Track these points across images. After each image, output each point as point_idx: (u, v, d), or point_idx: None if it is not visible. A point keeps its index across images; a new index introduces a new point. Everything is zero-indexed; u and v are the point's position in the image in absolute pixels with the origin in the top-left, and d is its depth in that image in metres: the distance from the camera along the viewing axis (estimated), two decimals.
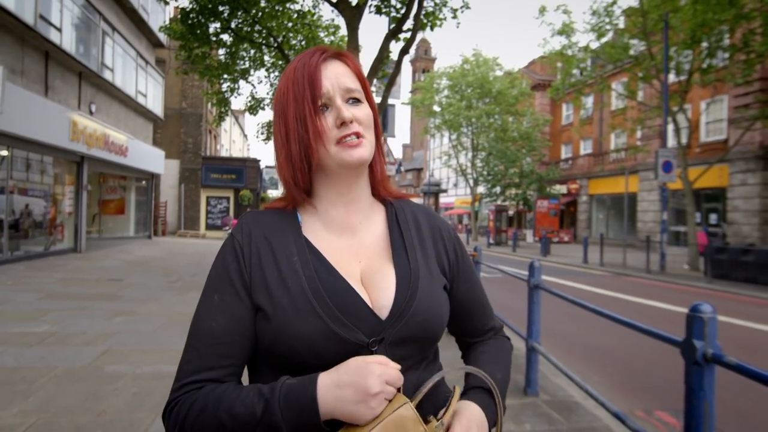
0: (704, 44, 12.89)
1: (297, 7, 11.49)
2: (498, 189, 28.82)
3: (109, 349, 4.32)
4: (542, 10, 15.96)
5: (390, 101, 11.37)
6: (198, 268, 10.67)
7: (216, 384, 0.72)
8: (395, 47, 25.76)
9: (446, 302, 0.86)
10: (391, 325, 0.76)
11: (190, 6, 10.18)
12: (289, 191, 0.86)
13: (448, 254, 0.91)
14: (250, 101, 14.90)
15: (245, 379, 0.80)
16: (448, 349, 0.99)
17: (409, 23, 9.60)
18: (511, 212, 30.29)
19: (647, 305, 8.30)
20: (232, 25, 10.84)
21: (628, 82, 16.70)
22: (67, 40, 11.34)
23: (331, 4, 9.19)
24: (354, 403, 0.66)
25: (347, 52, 0.87)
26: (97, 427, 2.77)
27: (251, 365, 0.81)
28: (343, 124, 0.79)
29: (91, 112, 13.05)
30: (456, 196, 46.81)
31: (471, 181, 30.24)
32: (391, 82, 9.77)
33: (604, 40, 15.36)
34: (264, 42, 11.59)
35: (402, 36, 9.93)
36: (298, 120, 0.80)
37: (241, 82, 15.84)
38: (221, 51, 12.78)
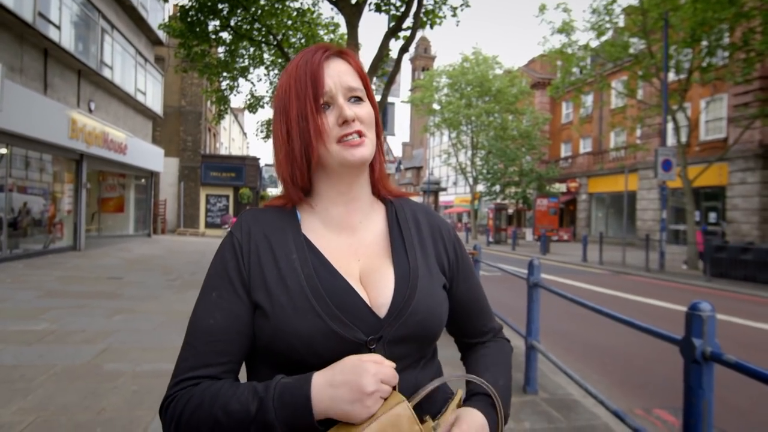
0: (704, 43, 12.88)
1: (296, 4, 11.49)
2: (497, 187, 28.83)
3: (109, 347, 4.32)
4: (542, 8, 15.94)
5: (389, 99, 11.36)
6: (197, 266, 10.67)
7: (213, 381, 0.72)
8: (395, 45, 25.71)
9: (445, 301, 0.86)
10: (390, 323, 0.76)
11: (190, 4, 10.15)
12: (287, 189, 0.86)
13: (448, 253, 0.91)
14: (249, 99, 14.89)
15: (243, 376, 0.80)
16: (447, 348, 0.99)
17: (408, 21, 9.58)
18: (510, 211, 30.31)
19: (646, 303, 8.31)
20: (232, 22, 10.81)
21: (627, 80, 16.69)
22: (66, 37, 11.32)
23: (331, 2, 9.16)
24: (349, 402, 0.66)
25: (349, 51, 0.86)
26: (96, 425, 2.77)
27: (249, 363, 0.81)
28: (345, 122, 0.79)
29: (90, 110, 13.02)
30: (455, 195, 46.83)
31: (470, 180, 30.24)
32: (390, 80, 9.75)
33: (604, 38, 15.35)
34: (263, 40, 11.57)
35: (402, 34, 9.91)
36: (299, 118, 0.80)
37: (241, 80, 15.85)
38: (220, 49, 12.76)
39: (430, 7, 10.35)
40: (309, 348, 0.72)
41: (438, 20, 10.51)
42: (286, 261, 0.78)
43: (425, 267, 0.84)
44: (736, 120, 15.22)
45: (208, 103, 22.55)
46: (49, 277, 8.24)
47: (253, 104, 14.87)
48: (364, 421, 0.66)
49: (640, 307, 8.00)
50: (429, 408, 0.75)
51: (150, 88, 17.64)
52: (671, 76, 14.49)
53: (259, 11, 10.56)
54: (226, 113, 15.22)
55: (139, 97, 16.50)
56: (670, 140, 17.73)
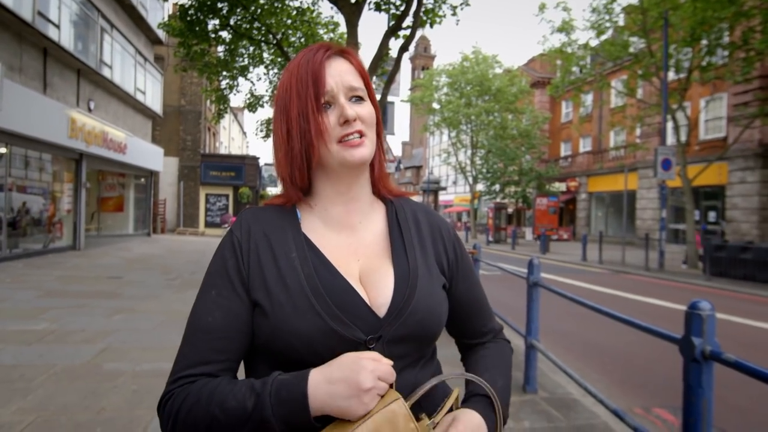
0: (704, 42, 12.88)
1: (296, 3, 11.48)
2: (497, 187, 28.83)
3: (109, 346, 4.32)
4: (542, 7, 15.93)
5: (389, 98, 11.36)
6: (197, 265, 10.67)
7: (210, 378, 0.72)
8: (394, 44, 25.66)
9: (445, 301, 0.86)
10: (389, 323, 0.76)
11: (189, 3, 10.14)
12: (287, 189, 0.86)
13: (448, 253, 0.91)
14: (249, 98, 14.88)
15: (242, 375, 0.80)
16: (447, 347, 0.99)
17: (408, 20, 9.58)
18: (510, 210, 30.29)
19: (646, 303, 8.32)
20: (231, 22, 10.80)
21: (627, 79, 16.67)
22: (65, 37, 11.30)
23: (331, 1, 9.16)
24: (346, 399, 0.66)
25: (351, 50, 0.86)
26: (96, 425, 2.77)
27: (248, 361, 0.81)
28: (346, 122, 0.79)
29: (89, 110, 13.01)
30: (455, 194, 46.83)
31: (470, 179, 30.23)
32: (390, 80, 9.75)
33: (603, 37, 15.33)
34: (263, 39, 11.56)
35: (401, 33, 9.91)
36: (300, 117, 0.80)
37: (240, 80, 15.85)
38: (220, 48, 12.76)
39: (429, 6, 10.36)
40: (308, 347, 0.72)
41: (438, 19, 10.51)
42: (286, 260, 0.78)
43: (425, 267, 0.84)
44: (735, 119, 15.22)
45: (208, 102, 22.56)
46: (49, 276, 8.24)
47: (253, 103, 14.87)
48: (361, 417, 0.66)
49: (640, 306, 8.01)
50: (428, 407, 0.75)
51: (149, 88, 17.63)
52: (671, 75, 14.49)
53: (259, 10, 10.55)
54: (226, 112, 15.22)
55: (139, 97, 16.48)
56: (670, 139, 17.72)
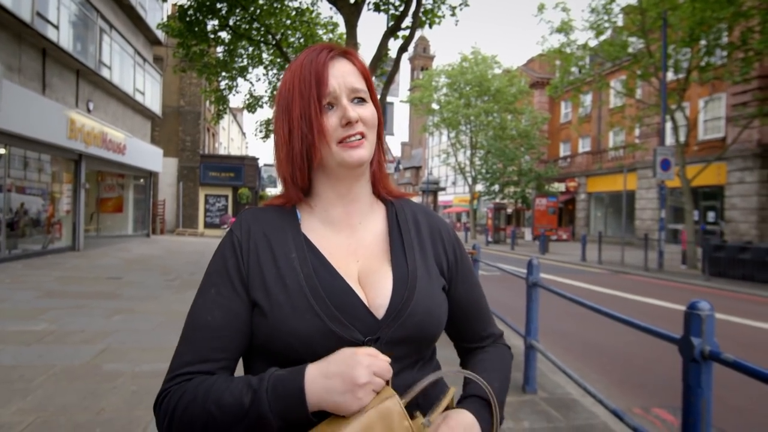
0: (702, 42, 12.89)
1: (295, 4, 11.48)
2: (496, 187, 28.84)
3: (108, 347, 4.32)
4: (541, 7, 15.95)
5: (388, 99, 11.36)
6: (196, 266, 10.66)
7: (207, 376, 0.72)
8: (394, 45, 25.67)
9: (444, 303, 0.86)
10: (388, 325, 0.76)
11: (188, 3, 10.14)
12: (287, 189, 0.86)
13: (447, 255, 0.90)
14: (248, 99, 14.88)
15: (240, 374, 0.80)
16: (446, 348, 0.99)
17: (407, 21, 9.59)
18: (509, 210, 30.31)
19: (645, 303, 8.32)
20: (230, 22, 10.80)
21: (626, 79, 16.69)
22: (64, 37, 11.30)
23: (330, 1, 9.16)
24: (341, 394, 0.65)
25: (354, 51, 0.86)
26: (95, 426, 2.77)
27: (246, 361, 0.81)
28: (348, 123, 0.79)
29: (88, 110, 13.00)
30: (455, 194, 46.81)
31: (469, 179, 30.24)
32: (389, 80, 9.75)
33: (602, 37, 15.36)
34: (262, 39, 11.56)
35: (401, 33, 9.92)
36: (302, 118, 0.80)
37: (240, 80, 15.84)
38: (219, 48, 12.75)
39: (429, 7, 10.36)
40: (307, 347, 0.72)
41: (437, 20, 10.51)
42: (285, 260, 0.78)
43: (424, 269, 0.84)
44: (734, 119, 15.24)
45: (207, 102, 22.54)
46: (48, 277, 8.23)
47: (252, 104, 14.86)
48: (355, 413, 0.65)
49: (639, 306, 8.01)
50: (425, 406, 0.75)
51: (149, 88, 17.62)
52: (670, 75, 14.51)
53: (258, 11, 10.55)
54: (225, 113, 15.22)
55: (138, 97, 16.48)
56: (669, 140, 17.73)
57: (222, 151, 36.04)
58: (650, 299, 8.62)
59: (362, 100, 0.83)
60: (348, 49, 0.86)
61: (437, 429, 0.72)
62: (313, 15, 11.98)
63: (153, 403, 0.74)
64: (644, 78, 15.01)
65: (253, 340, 0.77)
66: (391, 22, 9.84)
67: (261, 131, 16.23)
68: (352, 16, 8.90)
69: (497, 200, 29.08)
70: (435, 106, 30.67)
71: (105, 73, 13.70)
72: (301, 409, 0.66)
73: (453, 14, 10.60)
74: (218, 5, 10.12)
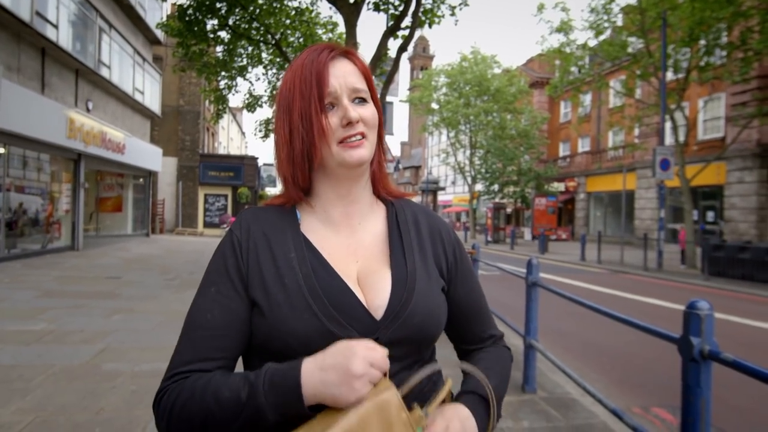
0: (702, 42, 12.90)
1: (295, 4, 11.47)
2: (496, 187, 28.85)
3: (107, 347, 4.31)
4: (540, 7, 15.94)
5: (388, 99, 11.36)
6: (196, 266, 10.66)
7: (205, 373, 0.72)
8: (393, 44, 25.64)
9: (444, 304, 0.86)
10: (386, 325, 0.76)
11: (188, 2, 10.13)
12: (287, 189, 0.86)
13: (447, 256, 0.90)
14: (248, 98, 14.87)
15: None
16: (445, 347, 0.99)
17: (407, 20, 9.58)
18: (509, 210, 30.31)
19: (645, 302, 8.33)
20: (230, 22, 10.79)
21: (626, 79, 16.69)
22: (63, 37, 11.28)
23: (329, 1, 9.15)
24: (337, 385, 0.64)
25: (354, 51, 0.86)
26: (95, 425, 2.77)
27: (246, 360, 0.81)
28: (349, 123, 0.79)
29: (88, 110, 12.99)
30: (454, 194, 46.82)
31: (469, 179, 30.24)
32: (389, 80, 9.74)
33: (602, 37, 15.36)
34: (262, 39, 11.55)
35: (400, 33, 9.91)
36: (303, 117, 0.80)
37: (239, 80, 15.83)
38: (219, 48, 12.74)
39: (428, 6, 10.35)
40: (305, 347, 0.72)
41: (437, 19, 10.51)
42: (285, 260, 0.78)
43: (423, 269, 0.84)
44: (734, 119, 15.26)
45: (207, 102, 22.51)
46: (47, 276, 8.22)
47: (252, 103, 14.86)
48: (352, 405, 0.65)
49: (639, 306, 8.02)
50: (423, 399, 0.75)
51: (148, 88, 17.61)
52: (669, 75, 14.51)
53: (258, 10, 10.54)
54: (225, 112, 15.21)
55: (137, 97, 16.46)
56: (668, 139, 17.73)
57: (221, 151, 36.00)
58: (649, 299, 8.63)
59: (363, 100, 0.82)
60: (349, 49, 0.86)
61: (434, 421, 0.72)
62: (313, 14, 11.98)
63: (152, 401, 0.74)
64: (644, 78, 15.02)
65: (252, 339, 0.77)
66: (391, 22, 9.84)
67: (260, 131, 16.23)
68: (351, 16, 8.90)
69: (497, 200, 29.09)
70: (434, 105, 30.66)
71: (104, 72, 13.68)
72: (298, 403, 0.65)
73: (452, 14, 10.59)
74: (218, 5, 10.11)
